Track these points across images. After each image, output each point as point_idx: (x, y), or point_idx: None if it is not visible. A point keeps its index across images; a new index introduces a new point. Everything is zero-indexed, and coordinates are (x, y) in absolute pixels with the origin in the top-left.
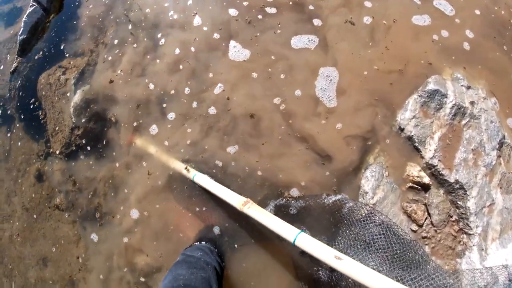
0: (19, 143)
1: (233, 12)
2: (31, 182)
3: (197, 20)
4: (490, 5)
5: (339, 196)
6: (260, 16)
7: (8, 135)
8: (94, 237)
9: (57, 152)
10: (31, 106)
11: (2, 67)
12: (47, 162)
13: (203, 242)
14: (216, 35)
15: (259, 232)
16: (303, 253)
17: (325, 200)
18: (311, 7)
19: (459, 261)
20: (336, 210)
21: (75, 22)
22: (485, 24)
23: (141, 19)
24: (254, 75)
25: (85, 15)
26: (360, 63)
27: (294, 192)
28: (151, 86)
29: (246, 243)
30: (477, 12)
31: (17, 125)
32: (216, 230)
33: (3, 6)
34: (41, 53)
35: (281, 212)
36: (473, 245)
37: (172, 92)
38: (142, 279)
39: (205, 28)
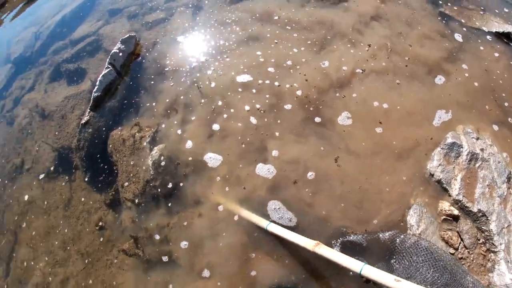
0: (81, 192)
1: None
2: (91, 229)
3: None
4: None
5: (392, 231)
6: None
7: (68, 184)
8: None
9: (129, 201)
10: (98, 158)
11: (67, 119)
12: (112, 211)
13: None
14: None
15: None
16: (368, 281)
17: (381, 235)
18: None
19: (491, 275)
20: (390, 242)
21: (146, 87)
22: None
23: (209, 90)
24: None
25: (157, 82)
26: None
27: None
28: (217, 150)
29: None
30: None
31: (80, 175)
32: (284, 272)
33: (69, 65)
34: (113, 111)
35: (347, 247)
36: (500, 259)
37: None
38: None
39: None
